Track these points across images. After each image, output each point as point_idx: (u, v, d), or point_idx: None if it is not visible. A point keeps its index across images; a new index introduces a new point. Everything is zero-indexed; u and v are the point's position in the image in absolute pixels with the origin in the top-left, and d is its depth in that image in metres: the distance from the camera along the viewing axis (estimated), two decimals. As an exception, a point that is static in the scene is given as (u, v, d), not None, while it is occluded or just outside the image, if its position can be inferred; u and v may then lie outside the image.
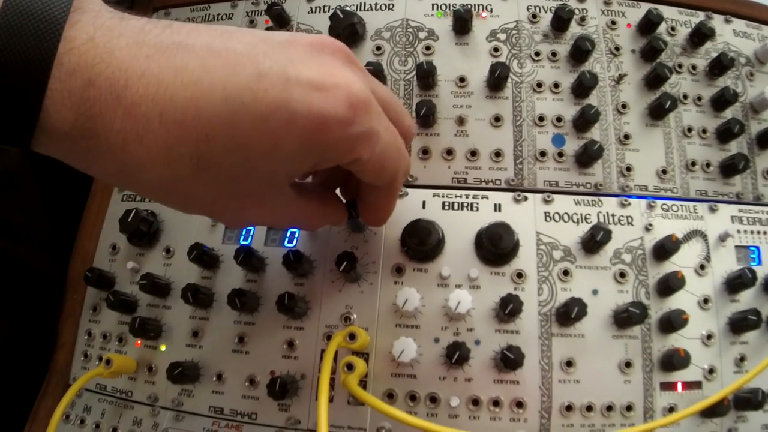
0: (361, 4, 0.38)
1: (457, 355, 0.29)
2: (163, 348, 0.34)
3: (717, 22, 0.40)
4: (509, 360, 0.29)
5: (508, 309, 0.30)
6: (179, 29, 0.20)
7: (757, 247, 0.36)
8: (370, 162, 0.22)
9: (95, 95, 0.17)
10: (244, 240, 0.35)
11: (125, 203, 0.38)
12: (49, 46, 0.17)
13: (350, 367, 0.28)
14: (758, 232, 0.36)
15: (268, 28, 0.37)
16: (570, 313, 0.30)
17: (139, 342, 0.35)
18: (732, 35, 0.40)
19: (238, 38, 0.20)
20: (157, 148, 0.19)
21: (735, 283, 0.33)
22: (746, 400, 0.31)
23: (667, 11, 0.39)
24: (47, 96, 0.17)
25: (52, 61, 0.17)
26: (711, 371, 0.32)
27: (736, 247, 0.35)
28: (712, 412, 0.30)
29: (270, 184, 0.22)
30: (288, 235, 0.35)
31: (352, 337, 0.29)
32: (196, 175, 0.20)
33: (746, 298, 0.34)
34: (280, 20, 0.38)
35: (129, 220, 0.34)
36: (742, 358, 0.33)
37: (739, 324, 0.33)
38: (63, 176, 0.41)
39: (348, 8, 0.37)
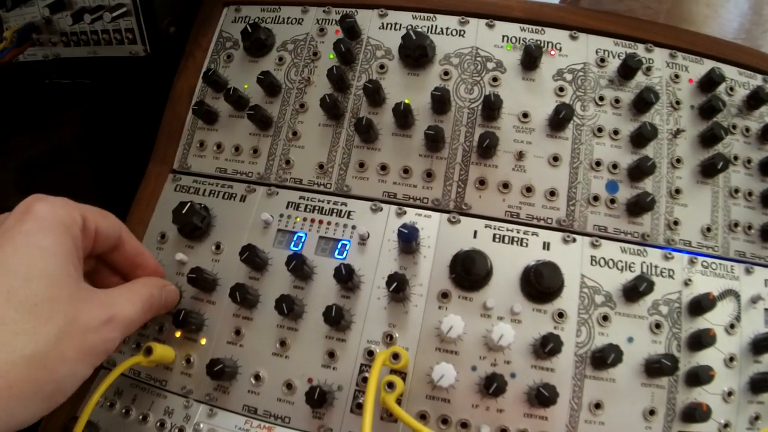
0: (432, 26, 0.39)
1: (494, 386, 0.31)
2: (203, 342, 0.35)
3: (773, 86, 0.41)
4: (544, 397, 0.31)
5: (548, 348, 0.31)
6: None
7: (785, 312, 0.37)
8: (90, 214, 0.28)
9: None
10: (295, 246, 0.36)
11: (179, 193, 0.39)
12: None
13: (391, 385, 0.30)
14: (789, 298, 0.37)
15: (338, 40, 0.38)
16: (606, 359, 0.32)
17: (179, 333, 0.36)
18: (786, 101, 0.41)
19: None
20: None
21: (760, 345, 0.35)
22: (756, 458, 0.33)
23: (728, 71, 0.40)
24: None
25: None
26: (726, 426, 0.34)
27: (766, 310, 0.37)
28: (723, 465, 0.32)
29: (74, 276, 0.26)
30: (339, 246, 0.36)
31: (396, 356, 0.31)
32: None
33: (769, 361, 0.36)
34: (352, 32, 0.39)
35: (184, 212, 0.35)
36: (757, 417, 0.35)
37: (760, 384, 0.34)
38: (114, 158, 0.42)
39: (419, 29, 0.38)
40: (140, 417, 0.35)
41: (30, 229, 0.25)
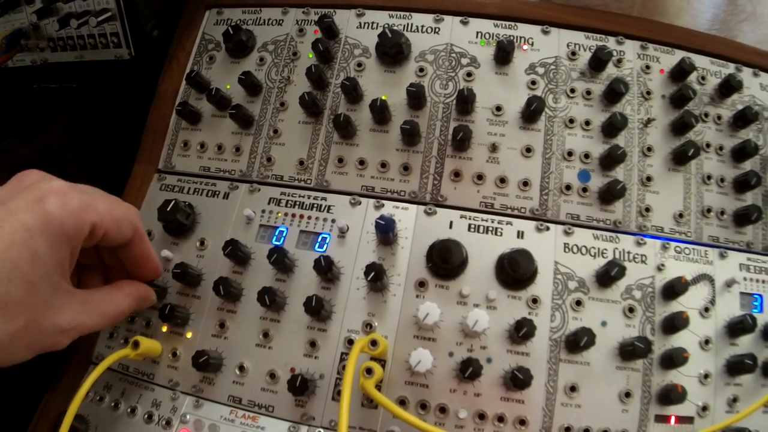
0: (408, 24, 0.42)
1: (470, 370, 0.33)
2: (189, 335, 0.37)
3: (745, 75, 0.43)
4: (518, 380, 0.33)
5: (522, 332, 0.33)
6: None
7: (760, 295, 0.39)
8: (103, 221, 0.29)
9: None
10: (276, 240, 0.38)
11: (164, 192, 0.41)
12: None
13: (370, 371, 0.32)
14: (764, 281, 0.39)
15: (316, 40, 0.40)
16: (579, 342, 0.33)
17: (166, 327, 0.38)
18: (759, 89, 0.43)
19: None
20: None
21: (736, 328, 0.37)
22: (734, 439, 0.35)
23: (700, 60, 0.42)
24: None
25: None
26: (704, 408, 0.36)
27: (741, 293, 0.39)
28: (701, 446, 0.34)
29: (55, 283, 0.27)
30: (319, 240, 0.38)
31: (374, 343, 0.33)
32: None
33: (745, 343, 0.37)
34: (330, 32, 0.41)
35: (168, 209, 0.37)
36: (735, 399, 0.37)
37: (736, 367, 0.36)
38: (102, 156, 0.44)
39: (396, 28, 0.40)
40: (129, 410, 0.37)
41: (33, 227, 0.26)
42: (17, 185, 0.28)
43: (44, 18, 0.45)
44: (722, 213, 0.40)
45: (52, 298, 0.27)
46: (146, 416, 0.36)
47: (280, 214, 0.39)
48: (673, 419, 0.36)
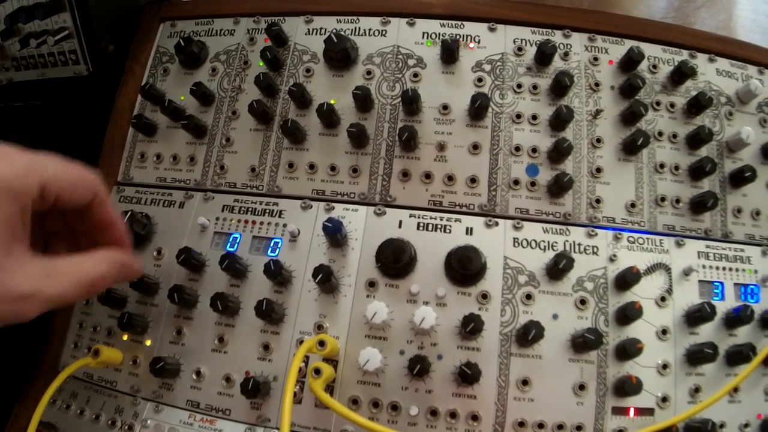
0: (355, 28, 0.43)
1: (418, 367, 0.34)
2: (148, 343, 0.39)
3: (700, 60, 0.44)
4: (467, 375, 0.34)
5: (470, 327, 0.34)
6: None
7: (721, 283, 0.39)
8: (55, 180, 0.28)
9: None
10: (230, 247, 0.40)
11: (123, 204, 0.43)
12: None
13: (317, 372, 0.33)
14: (723, 269, 0.40)
15: (265, 48, 0.42)
16: (528, 335, 0.34)
17: (126, 336, 0.39)
18: (715, 74, 0.44)
19: None
20: None
21: (694, 317, 0.37)
22: (696, 430, 0.35)
23: (651, 49, 0.43)
24: None
25: None
26: (664, 399, 0.36)
27: (700, 281, 0.39)
28: (660, 437, 0.34)
29: (6, 245, 0.26)
30: (271, 244, 0.39)
31: (321, 344, 0.34)
32: None
33: (706, 332, 0.38)
34: (279, 40, 0.43)
35: (124, 221, 0.39)
36: (697, 389, 0.37)
37: (696, 356, 0.37)
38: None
39: (343, 33, 0.42)
40: (93, 417, 0.38)
41: None
42: None
43: (7, 39, 0.47)
44: (678, 201, 0.40)
45: (4, 260, 0.26)
46: (109, 422, 0.38)
47: (233, 221, 0.40)
48: (632, 411, 0.36)
